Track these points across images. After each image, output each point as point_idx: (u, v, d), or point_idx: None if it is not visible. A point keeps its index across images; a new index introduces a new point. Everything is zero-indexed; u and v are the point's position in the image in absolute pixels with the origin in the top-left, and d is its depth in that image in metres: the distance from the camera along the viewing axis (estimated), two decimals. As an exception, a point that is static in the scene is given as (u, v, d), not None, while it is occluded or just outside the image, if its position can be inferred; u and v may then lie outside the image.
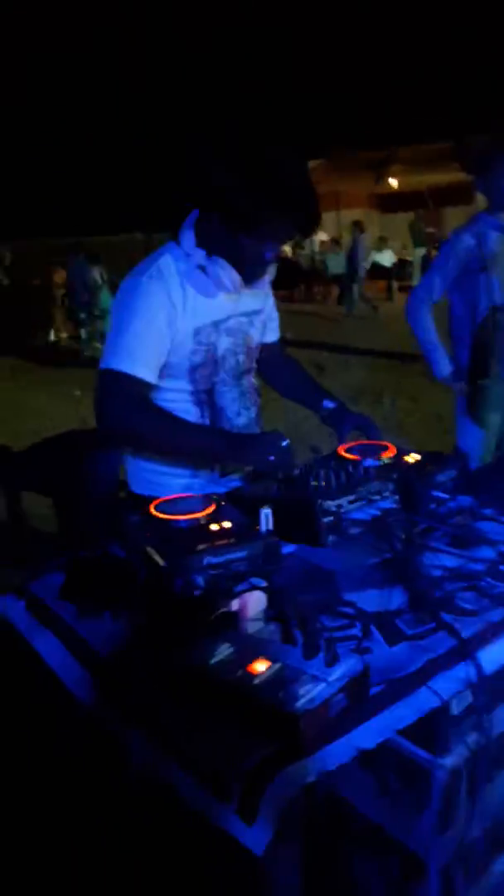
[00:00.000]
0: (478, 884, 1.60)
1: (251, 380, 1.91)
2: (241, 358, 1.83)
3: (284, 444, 1.60)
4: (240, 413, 1.86)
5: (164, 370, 1.71)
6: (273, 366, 2.00)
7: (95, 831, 1.36)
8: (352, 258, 14.33)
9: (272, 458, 1.57)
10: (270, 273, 1.82)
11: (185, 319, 1.69)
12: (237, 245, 1.64)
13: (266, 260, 1.70)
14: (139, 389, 1.66)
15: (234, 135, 1.63)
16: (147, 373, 1.66)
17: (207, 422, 1.81)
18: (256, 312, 1.86)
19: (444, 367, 3.09)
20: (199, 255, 1.67)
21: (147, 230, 17.67)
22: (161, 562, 1.27)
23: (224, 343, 1.78)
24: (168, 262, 1.68)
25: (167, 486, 1.78)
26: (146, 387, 1.68)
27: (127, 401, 1.65)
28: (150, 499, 1.72)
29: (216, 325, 1.75)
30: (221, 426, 1.82)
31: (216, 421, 1.82)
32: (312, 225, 1.67)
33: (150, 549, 1.31)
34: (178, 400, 1.76)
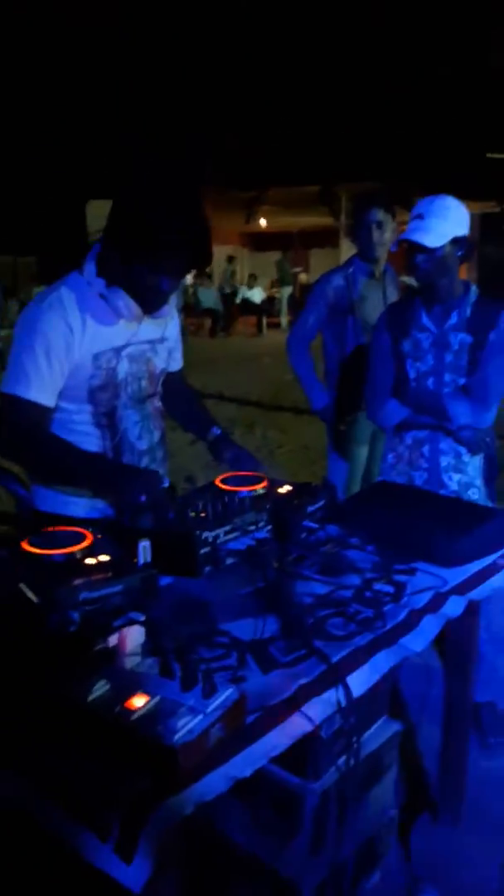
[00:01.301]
0: (348, 903, 1.65)
1: (156, 404, 1.96)
2: (144, 383, 1.88)
3: (162, 485, 1.64)
4: (141, 437, 1.90)
5: (65, 392, 1.76)
6: (171, 394, 2.04)
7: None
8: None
9: (143, 497, 1.59)
10: (172, 302, 1.89)
11: (84, 345, 1.74)
12: (135, 277, 1.70)
13: (163, 291, 1.76)
14: (34, 414, 1.73)
15: (132, 172, 1.70)
16: (43, 397, 1.73)
17: (109, 444, 1.84)
18: (160, 340, 1.92)
19: (320, 400, 3.24)
20: (100, 285, 1.73)
21: (16, 253, 17.19)
22: (34, 598, 1.24)
23: (125, 367, 1.82)
24: (68, 292, 1.74)
25: (72, 504, 1.83)
26: (42, 410, 1.74)
27: (18, 426, 1.73)
28: (56, 517, 1.80)
29: (116, 350, 1.80)
30: (123, 449, 1.86)
31: (118, 443, 1.85)
32: (205, 261, 1.76)
33: (22, 586, 1.27)
34: (80, 422, 1.81)
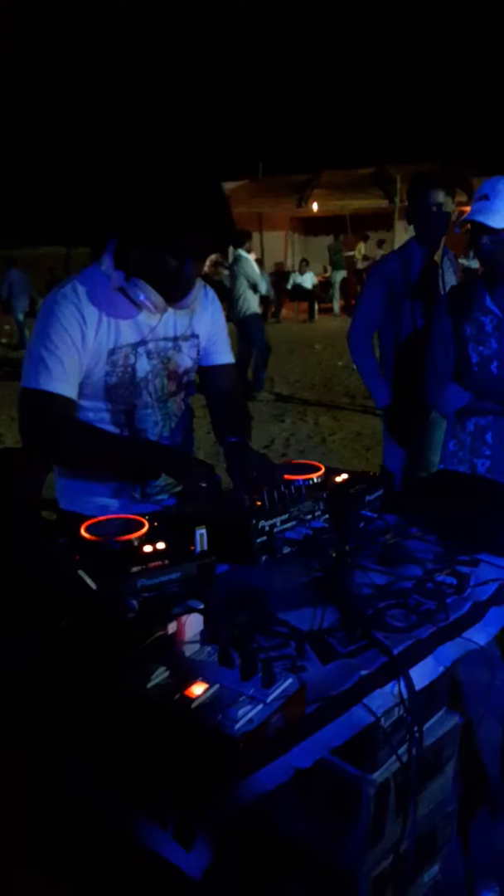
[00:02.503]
0: (407, 894, 1.63)
1: (181, 403, 1.90)
2: (165, 382, 1.82)
3: (215, 478, 1.62)
4: (162, 437, 1.85)
5: (82, 389, 1.72)
6: (210, 390, 1.97)
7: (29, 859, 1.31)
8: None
9: (204, 484, 1.58)
10: (205, 293, 1.83)
11: (99, 339, 1.69)
12: (156, 263, 1.65)
13: (186, 276, 1.69)
14: (59, 406, 1.67)
15: (149, 152, 1.69)
16: (66, 388, 1.67)
17: None
18: (187, 337, 1.85)
19: (383, 397, 3.17)
20: (118, 278, 1.68)
21: (69, 244, 17.48)
22: (93, 585, 1.25)
23: (144, 365, 1.77)
24: (84, 282, 1.70)
25: (90, 503, 1.79)
26: (66, 403, 1.69)
27: (47, 418, 1.67)
28: (77, 515, 1.73)
29: (134, 347, 1.74)
30: None
31: None
32: (228, 237, 1.70)
33: (81, 573, 1.28)
34: (98, 420, 1.77)
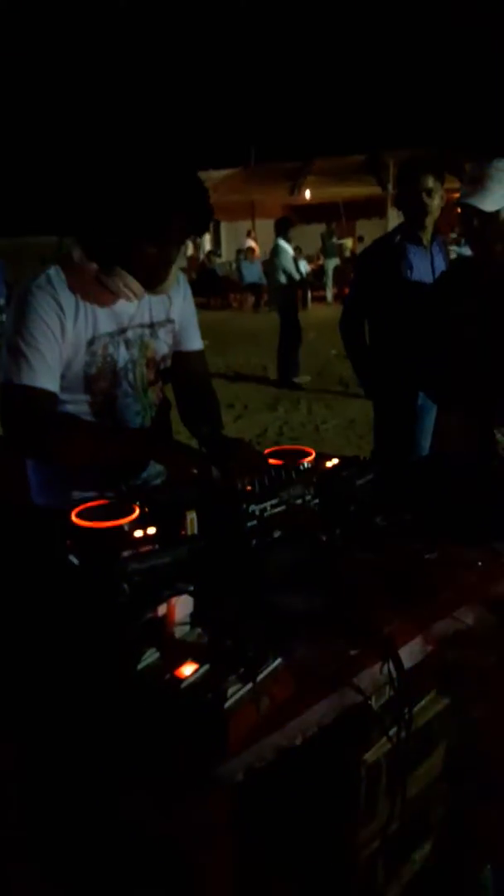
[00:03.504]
0: (398, 873, 1.65)
1: (160, 392, 1.87)
2: (144, 370, 1.80)
3: (206, 464, 1.60)
4: (143, 427, 1.82)
5: (61, 381, 1.67)
6: (179, 377, 1.92)
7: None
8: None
9: (195, 471, 1.57)
10: (180, 279, 1.81)
11: (77, 329, 1.65)
12: (133, 251, 1.62)
13: (165, 262, 1.67)
14: (43, 401, 1.63)
15: (128, 138, 1.63)
16: (48, 382, 1.63)
17: None
18: (161, 324, 1.83)
19: (370, 385, 3.17)
20: (92, 269, 1.64)
21: (60, 233, 17.36)
22: (83, 570, 1.25)
23: (123, 355, 1.75)
24: (58, 272, 1.65)
25: (68, 498, 1.70)
26: (50, 397, 1.64)
27: (33, 415, 1.61)
28: (52, 510, 1.67)
29: (112, 336, 1.72)
30: None
31: None
32: (205, 223, 1.66)
33: (71, 558, 1.29)
34: (77, 412, 1.72)
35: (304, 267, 16.49)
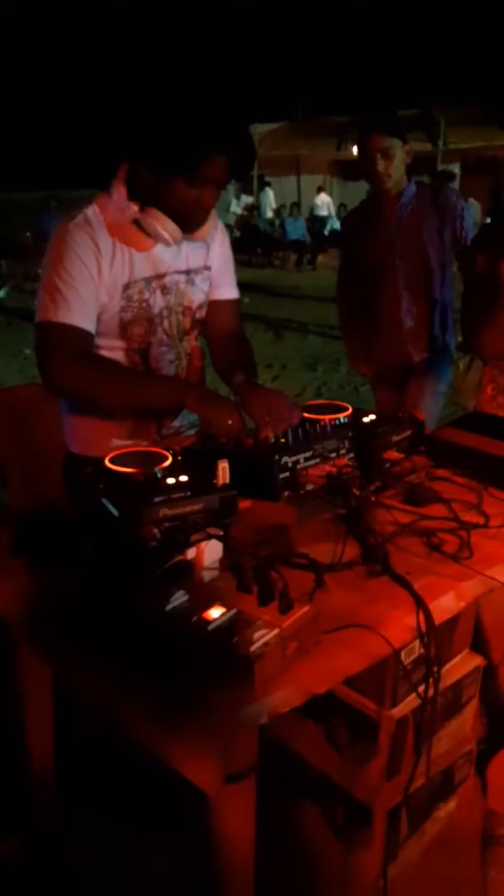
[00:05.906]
0: (420, 829, 1.66)
1: (194, 342, 1.84)
2: (180, 318, 1.77)
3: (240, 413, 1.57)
4: (178, 375, 1.80)
5: (97, 326, 1.65)
6: (213, 327, 1.88)
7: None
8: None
9: (230, 421, 1.55)
10: (218, 226, 1.77)
11: (114, 272, 1.63)
12: (172, 192, 1.58)
13: (205, 206, 1.63)
14: (79, 340, 1.61)
15: (170, 78, 1.60)
16: (84, 321, 1.61)
17: None
18: (197, 270, 1.79)
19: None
20: (132, 209, 1.61)
21: (53, 187, 17.17)
22: (116, 514, 1.26)
23: (159, 301, 1.71)
24: (96, 211, 1.63)
25: (104, 446, 1.69)
26: (86, 336, 1.63)
27: (70, 353, 1.60)
28: (87, 459, 1.70)
29: (148, 281, 1.69)
30: None
31: None
32: (247, 164, 1.61)
33: (105, 501, 1.29)
34: (112, 359, 1.71)
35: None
